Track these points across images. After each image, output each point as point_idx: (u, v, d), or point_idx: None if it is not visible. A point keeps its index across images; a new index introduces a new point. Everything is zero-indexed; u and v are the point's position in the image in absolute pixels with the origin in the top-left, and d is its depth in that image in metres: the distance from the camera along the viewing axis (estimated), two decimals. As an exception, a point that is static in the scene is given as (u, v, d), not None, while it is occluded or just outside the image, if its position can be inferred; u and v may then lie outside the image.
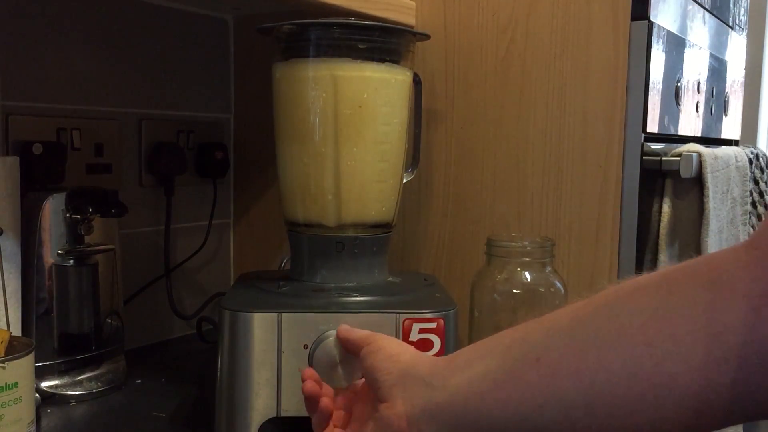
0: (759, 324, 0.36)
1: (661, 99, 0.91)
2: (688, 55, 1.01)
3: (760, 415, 0.39)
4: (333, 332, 0.63)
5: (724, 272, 0.38)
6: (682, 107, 0.99)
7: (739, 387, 0.37)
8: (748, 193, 1.08)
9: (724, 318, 0.37)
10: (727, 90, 1.23)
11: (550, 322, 0.46)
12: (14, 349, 0.65)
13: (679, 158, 0.91)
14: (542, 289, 0.80)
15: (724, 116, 1.23)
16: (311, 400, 0.57)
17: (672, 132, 0.96)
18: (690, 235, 0.93)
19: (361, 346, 0.58)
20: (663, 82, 0.91)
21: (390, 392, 0.52)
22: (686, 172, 0.90)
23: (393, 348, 0.55)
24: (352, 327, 0.61)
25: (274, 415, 0.67)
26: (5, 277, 0.76)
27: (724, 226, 0.98)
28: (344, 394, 0.60)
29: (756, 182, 1.11)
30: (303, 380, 0.58)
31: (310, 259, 0.78)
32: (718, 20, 1.16)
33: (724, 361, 0.37)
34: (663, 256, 0.88)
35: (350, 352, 0.61)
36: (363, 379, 0.59)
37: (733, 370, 0.37)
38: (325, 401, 0.57)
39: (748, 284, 0.37)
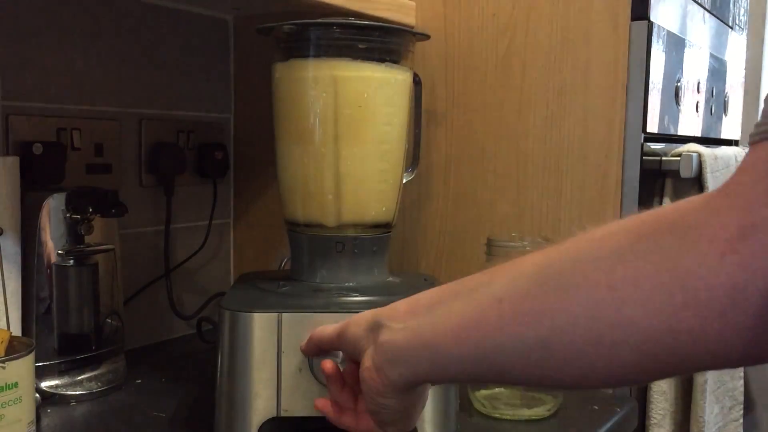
0: (722, 270, 0.35)
1: (661, 99, 0.91)
2: (688, 55, 1.01)
3: (715, 365, 0.38)
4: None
5: (692, 218, 0.38)
6: (682, 107, 0.99)
7: (696, 334, 0.36)
8: (748, 193, 1.08)
9: (687, 263, 0.36)
10: (727, 90, 1.23)
11: (516, 265, 0.46)
12: (14, 349, 0.65)
13: (679, 158, 0.91)
14: (542, 289, 0.80)
15: (724, 116, 1.23)
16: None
17: (672, 132, 0.97)
18: (690, 235, 0.93)
19: (333, 339, 0.58)
20: (663, 82, 0.91)
21: (361, 350, 0.53)
22: (686, 172, 0.90)
23: (358, 314, 0.56)
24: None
25: (274, 415, 0.67)
26: (5, 277, 0.76)
27: (724, 226, 0.98)
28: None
29: (756, 182, 1.11)
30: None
31: (310, 259, 0.78)
32: (718, 20, 1.16)
33: (685, 306, 0.36)
34: (663, 256, 0.87)
35: (324, 350, 0.61)
36: None
37: (693, 316, 0.36)
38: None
39: (715, 230, 0.36)
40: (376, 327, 0.52)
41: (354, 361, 0.56)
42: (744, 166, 0.38)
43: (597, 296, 0.39)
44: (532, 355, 0.42)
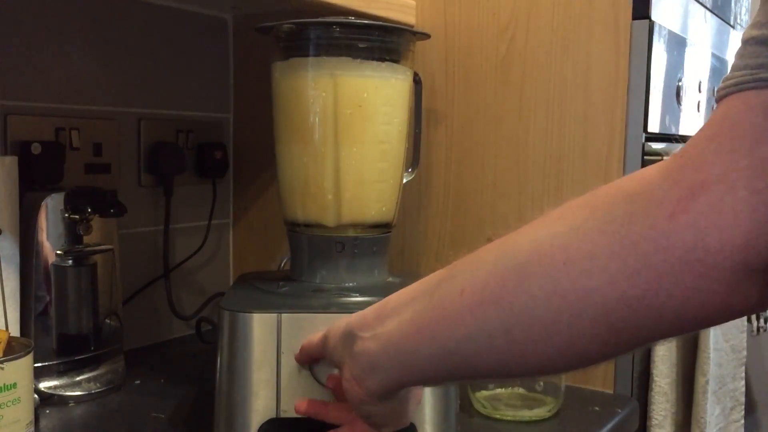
0: (673, 231, 0.35)
1: (663, 98, 0.91)
2: (690, 54, 1.01)
3: (671, 331, 0.38)
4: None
5: (645, 184, 0.37)
6: (684, 107, 0.99)
7: (650, 299, 0.36)
8: (749, 192, 1.08)
9: (638, 228, 0.36)
10: (727, 90, 1.23)
11: (477, 255, 0.45)
12: (13, 349, 0.65)
13: (680, 158, 0.90)
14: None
15: (724, 116, 1.23)
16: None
17: (673, 131, 0.96)
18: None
19: (321, 346, 0.58)
20: (664, 81, 0.91)
21: (340, 362, 0.53)
22: (687, 172, 0.90)
23: (335, 324, 0.55)
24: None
25: (274, 416, 0.67)
26: (3, 278, 0.76)
27: (725, 226, 0.98)
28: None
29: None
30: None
31: (309, 260, 0.77)
32: (719, 19, 1.16)
33: (637, 272, 0.36)
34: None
35: (316, 357, 0.61)
36: None
37: (645, 281, 0.36)
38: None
39: (665, 192, 0.35)
40: (349, 338, 0.52)
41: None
42: (701, 128, 0.37)
43: (553, 273, 0.39)
44: (496, 342, 0.42)
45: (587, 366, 0.42)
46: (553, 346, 0.40)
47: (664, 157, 0.90)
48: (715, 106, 0.37)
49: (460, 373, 0.46)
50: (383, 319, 0.50)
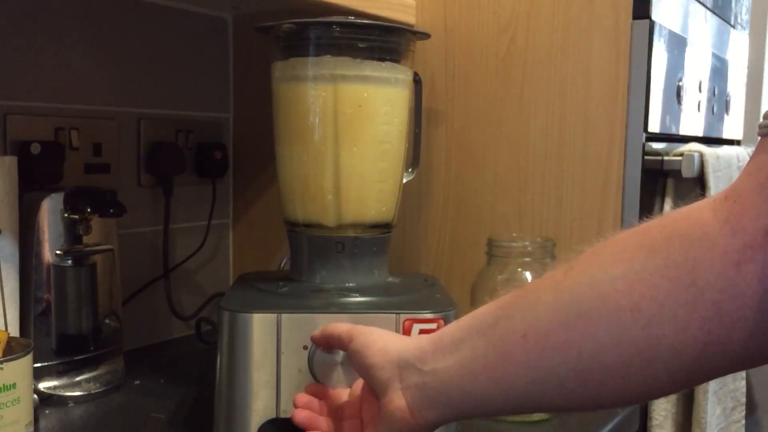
0: (741, 280, 0.36)
1: (663, 98, 0.91)
2: (690, 54, 1.01)
3: (745, 366, 0.39)
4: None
5: (702, 228, 0.38)
6: (684, 107, 0.99)
7: (724, 343, 0.37)
8: (750, 192, 1.07)
9: (705, 276, 0.37)
10: (728, 89, 1.23)
11: (533, 294, 0.45)
12: (12, 349, 0.65)
13: (680, 158, 0.91)
14: (543, 290, 0.80)
15: (725, 116, 1.23)
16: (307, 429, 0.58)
17: (673, 131, 0.96)
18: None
19: (344, 340, 0.58)
20: (664, 81, 0.91)
21: (387, 386, 0.52)
22: (688, 172, 0.90)
23: (380, 341, 0.54)
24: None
25: (274, 416, 0.67)
26: (3, 278, 0.76)
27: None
28: (351, 401, 0.60)
29: (757, 182, 1.11)
30: (295, 406, 0.59)
31: (309, 260, 0.77)
32: (719, 19, 1.16)
33: (709, 319, 0.37)
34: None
35: (333, 347, 0.61)
36: (361, 381, 0.59)
37: (718, 327, 0.37)
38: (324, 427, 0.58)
39: (727, 239, 0.37)
40: (405, 367, 0.51)
41: (371, 391, 0.55)
42: (750, 168, 0.38)
43: (621, 319, 0.40)
44: (566, 385, 0.42)
45: (661, 398, 0.43)
46: (626, 387, 0.41)
47: (664, 158, 0.91)
48: (759, 140, 0.39)
49: (530, 409, 0.48)
50: (441, 353, 0.49)
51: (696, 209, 0.40)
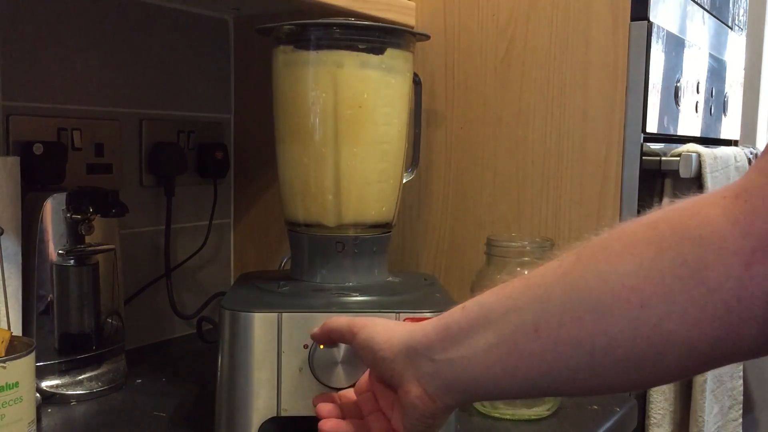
0: (751, 281, 0.37)
1: (661, 99, 0.91)
2: (688, 55, 1.01)
3: (756, 355, 0.41)
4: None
5: (711, 228, 0.38)
6: (682, 107, 0.99)
7: (735, 339, 0.38)
8: (748, 193, 1.08)
9: (715, 276, 0.38)
10: (726, 90, 1.24)
11: (541, 287, 0.46)
12: (15, 348, 0.65)
13: (678, 158, 0.91)
14: (542, 289, 0.80)
15: (723, 116, 1.23)
16: None
17: (671, 132, 0.97)
18: (689, 235, 0.93)
19: (346, 333, 0.58)
20: (662, 82, 0.91)
21: (402, 377, 0.52)
22: (686, 172, 0.90)
23: (384, 332, 0.55)
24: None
25: (274, 415, 0.67)
26: (6, 277, 0.76)
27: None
28: (363, 397, 0.59)
29: (755, 182, 1.11)
30: (319, 417, 0.59)
31: (310, 259, 0.78)
32: (717, 20, 1.16)
33: (719, 318, 0.38)
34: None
35: (335, 342, 0.61)
36: (364, 377, 0.59)
37: (728, 325, 0.38)
38: None
39: (738, 240, 0.37)
40: (414, 357, 0.51)
41: (380, 380, 0.56)
42: (761, 165, 0.38)
43: (632, 315, 0.40)
44: (579, 376, 0.43)
45: (672, 382, 0.44)
46: (638, 376, 0.42)
47: (662, 158, 0.91)
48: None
49: (539, 395, 0.49)
50: (451, 343, 0.49)
51: (704, 205, 0.40)
